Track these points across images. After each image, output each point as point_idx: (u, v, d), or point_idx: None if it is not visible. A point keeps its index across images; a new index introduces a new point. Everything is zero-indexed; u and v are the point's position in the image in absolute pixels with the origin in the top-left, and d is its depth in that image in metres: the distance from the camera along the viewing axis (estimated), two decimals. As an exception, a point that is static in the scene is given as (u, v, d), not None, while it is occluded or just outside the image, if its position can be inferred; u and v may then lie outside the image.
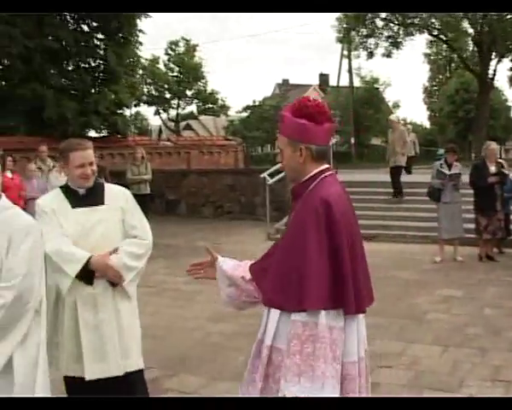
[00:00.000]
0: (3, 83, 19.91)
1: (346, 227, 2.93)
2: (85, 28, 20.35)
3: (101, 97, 19.69)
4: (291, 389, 2.82)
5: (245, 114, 48.14)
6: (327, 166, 3.15)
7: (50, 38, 18.47)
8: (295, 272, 2.89)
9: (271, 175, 15.24)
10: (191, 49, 47.63)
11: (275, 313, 2.99)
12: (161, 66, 46.90)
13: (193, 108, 52.28)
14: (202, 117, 54.30)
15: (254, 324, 7.37)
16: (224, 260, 3.47)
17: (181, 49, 47.77)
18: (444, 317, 7.99)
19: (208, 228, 16.12)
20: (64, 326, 4.15)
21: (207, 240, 13.16)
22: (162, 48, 50.18)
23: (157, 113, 49.75)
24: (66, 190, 4.34)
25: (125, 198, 4.44)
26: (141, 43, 21.55)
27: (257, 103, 48.56)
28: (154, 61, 42.38)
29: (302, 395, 2.79)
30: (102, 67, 20.60)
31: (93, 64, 20.91)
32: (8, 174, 11.88)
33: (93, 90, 20.24)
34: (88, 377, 4.08)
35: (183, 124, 54.18)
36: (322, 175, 3.08)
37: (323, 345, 2.81)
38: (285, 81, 66.21)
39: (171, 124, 50.94)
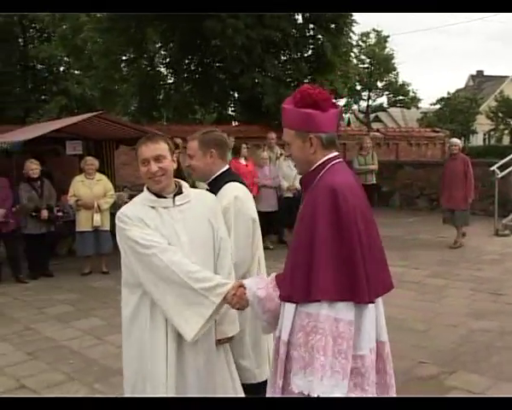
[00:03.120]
0: (224, 74, 20.49)
1: (355, 216, 2.82)
2: (299, 19, 20.49)
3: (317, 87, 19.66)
4: (297, 382, 2.78)
5: (438, 107, 46.94)
6: (336, 153, 3.06)
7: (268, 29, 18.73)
8: (304, 264, 2.82)
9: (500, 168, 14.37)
10: (382, 40, 47.08)
11: (290, 307, 2.88)
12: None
13: (383, 99, 51.75)
14: (390, 109, 53.59)
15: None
16: (252, 284, 3.30)
17: (372, 40, 47.34)
18: None
19: (425, 221, 15.68)
20: None
21: (429, 233, 12.76)
22: (353, 40, 49.84)
23: (347, 104, 49.72)
24: None
25: None
26: (354, 33, 21.47)
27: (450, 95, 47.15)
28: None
29: (306, 389, 2.73)
30: (316, 56, 20.58)
31: (306, 54, 20.98)
32: (242, 161, 12.09)
33: (306, 80, 20.32)
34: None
35: (372, 116, 53.71)
36: (331, 163, 3.00)
37: (323, 337, 2.72)
38: (479, 72, 63.80)
39: (361, 115, 50.65)
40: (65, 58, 29.64)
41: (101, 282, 9.89)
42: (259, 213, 13.73)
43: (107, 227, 10.40)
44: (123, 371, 3.57)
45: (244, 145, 12.20)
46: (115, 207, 11.35)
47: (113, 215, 10.84)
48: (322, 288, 2.74)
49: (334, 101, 3.06)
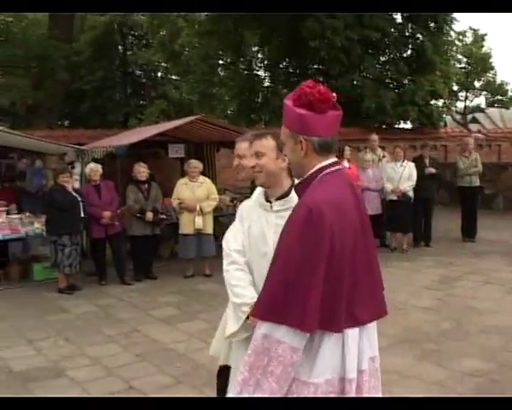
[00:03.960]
0: (322, 76, 20.32)
1: (329, 238, 2.60)
2: (398, 18, 20.10)
3: (418, 88, 19.30)
4: (236, 389, 2.73)
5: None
6: (332, 160, 2.86)
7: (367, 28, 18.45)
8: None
9: None
10: (479, 38, 45.71)
11: None
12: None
13: (481, 100, 50.22)
14: (488, 110, 52.00)
15: None
16: None
17: (469, 39, 46.01)
18: None
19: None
20: None
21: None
22: (452, 38, 48.56)
23: (444, 105, 48.47)
24: None
25: None
26: (455, 31, 20.87)
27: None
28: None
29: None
30: (416, 56, 20.11)
31: (405, 54, 20.59)
32: (345, 163, 11.94)
33: (406, 81, 19.98)
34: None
35: (468, 117, 52.31)
36: (324, 172, 2.81)
37: (253, 354, 2.66)
38: None
39: (458, 117, 49.36)
40: (162, 63, 30.18)
41: (205, 285, 9.92)
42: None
43: (209, 231, 10.42)
44: None
45: (347, 147, 12.02)
46: (217, 211, 11.38)
47: (216, 219, 10.90)
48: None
49: (335, 103, 2.83)
